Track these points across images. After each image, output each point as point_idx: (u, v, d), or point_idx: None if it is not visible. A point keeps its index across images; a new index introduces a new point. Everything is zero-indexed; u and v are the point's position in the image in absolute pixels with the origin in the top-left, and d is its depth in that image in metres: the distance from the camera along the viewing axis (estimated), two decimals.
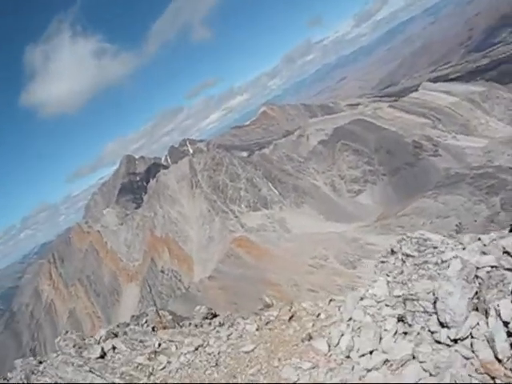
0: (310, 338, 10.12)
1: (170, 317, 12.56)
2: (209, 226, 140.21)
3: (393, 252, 10.78)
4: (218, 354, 11.48)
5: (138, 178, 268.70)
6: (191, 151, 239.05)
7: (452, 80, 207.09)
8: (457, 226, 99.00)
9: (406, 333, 7.88)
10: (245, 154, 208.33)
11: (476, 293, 6.99)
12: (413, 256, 10.11)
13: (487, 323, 6.47)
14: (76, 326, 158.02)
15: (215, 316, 14.68)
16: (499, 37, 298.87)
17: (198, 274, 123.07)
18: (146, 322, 13.46)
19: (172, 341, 12.92)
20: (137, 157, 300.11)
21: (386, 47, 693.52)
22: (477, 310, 6.87)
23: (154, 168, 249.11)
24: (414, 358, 7.16)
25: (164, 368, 11.61)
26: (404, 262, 10.26)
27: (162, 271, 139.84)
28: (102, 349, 13.15)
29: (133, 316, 28.47)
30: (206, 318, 14.27)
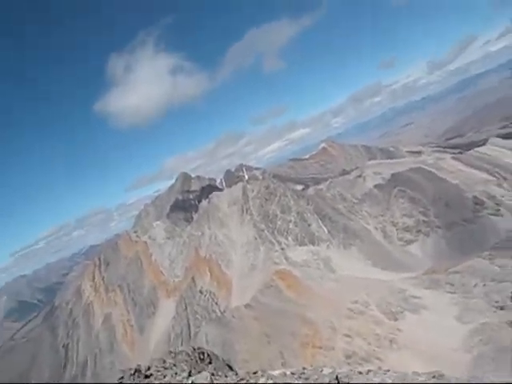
0: None
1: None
2: (253, 254, 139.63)
3: None
4: None
5: (191, 196, 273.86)
6: (246, 177, 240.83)
7: None
8: None
9: None
10: (299, 187, 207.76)
11: None
12: None
13: None
14: (109, 331, 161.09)
15: None
16: None
17: (235, 300, 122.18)
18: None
19: None
20: (193, 175, 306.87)
21: (456, 97, 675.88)
22: None
23: (208, 189, 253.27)
24: None
25: None
26: None
27: (201, 292, 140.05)
28: None
29: (170, 352, 27.90)
30: None
